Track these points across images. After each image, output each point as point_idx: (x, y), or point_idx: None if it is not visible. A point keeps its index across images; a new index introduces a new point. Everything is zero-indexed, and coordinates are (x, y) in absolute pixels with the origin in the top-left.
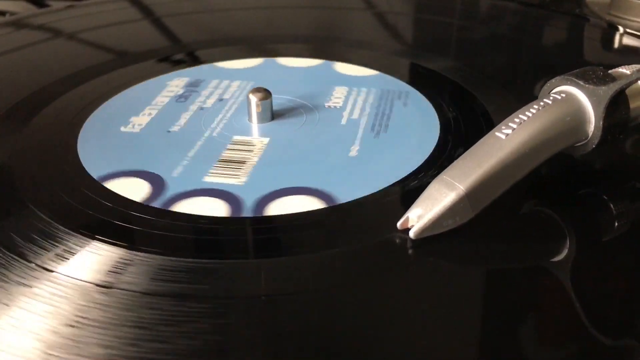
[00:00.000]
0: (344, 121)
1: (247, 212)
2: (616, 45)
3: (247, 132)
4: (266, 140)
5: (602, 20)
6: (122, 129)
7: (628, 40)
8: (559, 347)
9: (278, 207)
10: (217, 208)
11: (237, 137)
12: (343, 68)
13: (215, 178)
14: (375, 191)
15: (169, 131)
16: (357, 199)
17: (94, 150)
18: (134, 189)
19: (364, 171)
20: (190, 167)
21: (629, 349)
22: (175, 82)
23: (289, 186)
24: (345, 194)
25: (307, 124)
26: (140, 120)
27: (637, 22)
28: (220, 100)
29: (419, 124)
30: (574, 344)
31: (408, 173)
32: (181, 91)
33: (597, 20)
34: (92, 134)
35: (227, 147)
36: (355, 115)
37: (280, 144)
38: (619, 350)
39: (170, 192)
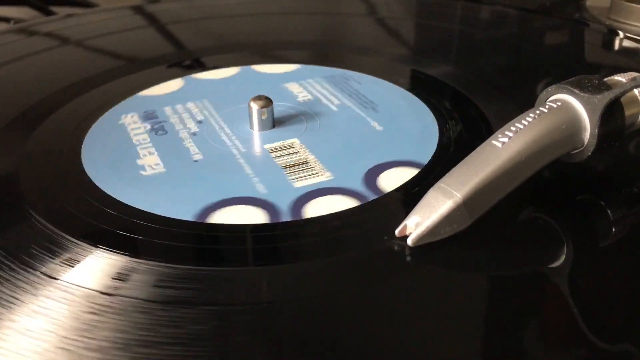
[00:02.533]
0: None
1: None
2: (616, 50)
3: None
4: (296, 140)
5: (602, 25)
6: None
7: (628, 45)
8: (558, 353)
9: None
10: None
11: (269, 145)
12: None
13: (303, 181)
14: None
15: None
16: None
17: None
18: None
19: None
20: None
21: (627, 355)
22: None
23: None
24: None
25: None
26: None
27: (637, 26)
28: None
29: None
30: (572, 349)
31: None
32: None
33: (597, 25)
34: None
35: (272, 156)
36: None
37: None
38: (617, 355)
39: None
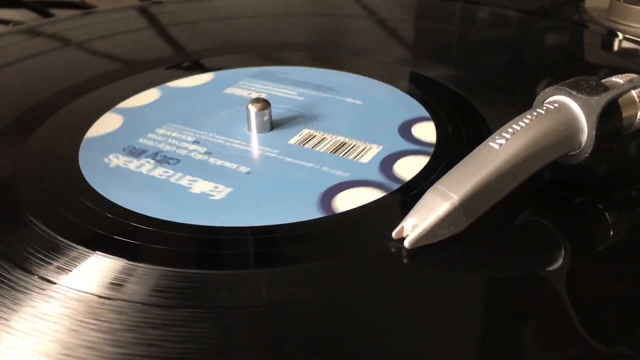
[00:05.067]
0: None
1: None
2: (615, 51)
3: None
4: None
5: (602, 27)
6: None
7: (627, 46)
8: (555, 356)
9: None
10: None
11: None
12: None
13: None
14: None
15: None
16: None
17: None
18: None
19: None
20: None
21: (624, 357)
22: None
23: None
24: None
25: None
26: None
27: (636, 27)
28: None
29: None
30: (569, 352)
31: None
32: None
33: (596, 27)
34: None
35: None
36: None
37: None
38: (614, 358)
39: None
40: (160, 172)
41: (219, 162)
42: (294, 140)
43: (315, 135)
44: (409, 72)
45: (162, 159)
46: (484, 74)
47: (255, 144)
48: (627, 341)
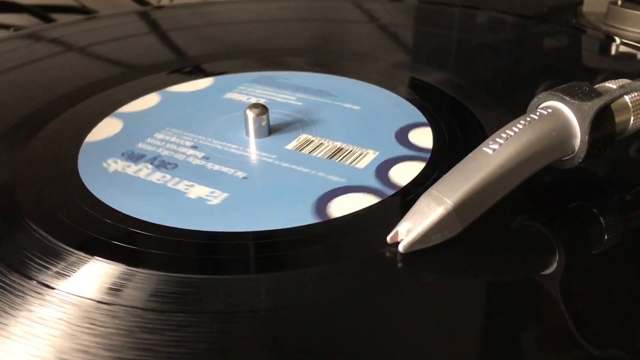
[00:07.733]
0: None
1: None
2: (613, 56)
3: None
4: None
5: (599, 31)
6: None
7: (624, 51)
8: (550, 359)
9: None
10: None
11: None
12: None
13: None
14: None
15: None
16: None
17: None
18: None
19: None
20: None
21: None
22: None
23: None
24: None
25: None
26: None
27: (633, 32)
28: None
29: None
30: (565, 356)
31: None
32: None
33: (594, 32)
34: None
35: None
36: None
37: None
38: None
39: None
40: (158, 177)
41: (216, 167)
42: (291, 145)
43: (312, 141)
44: (407, 77)
45: (160, 163)
46: (482, 78)
47: (253, 149)
48: (622, 345)
